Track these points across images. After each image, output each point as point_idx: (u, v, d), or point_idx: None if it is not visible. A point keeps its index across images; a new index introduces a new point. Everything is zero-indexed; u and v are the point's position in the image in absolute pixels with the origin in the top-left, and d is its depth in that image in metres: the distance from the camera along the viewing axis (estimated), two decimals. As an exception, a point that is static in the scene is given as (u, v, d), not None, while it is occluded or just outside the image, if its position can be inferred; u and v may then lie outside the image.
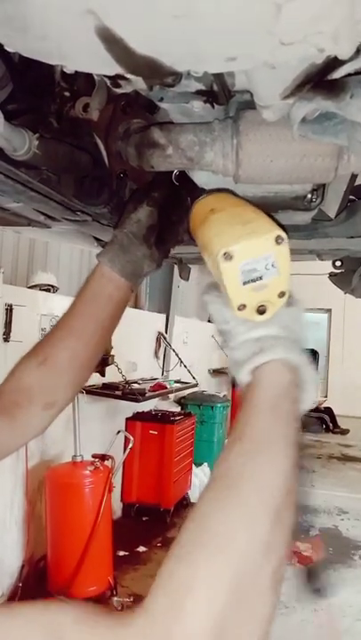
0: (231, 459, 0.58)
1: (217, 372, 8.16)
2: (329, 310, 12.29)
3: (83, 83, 1.00)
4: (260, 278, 0.65)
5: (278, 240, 0.64)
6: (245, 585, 0.49)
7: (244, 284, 0.65)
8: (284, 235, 0.65)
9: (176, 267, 1.91)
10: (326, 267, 2.03)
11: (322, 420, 10.29)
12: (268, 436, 0.59)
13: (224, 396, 7.04)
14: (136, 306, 6.50)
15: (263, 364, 0.64)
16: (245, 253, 0.64)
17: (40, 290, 4.22)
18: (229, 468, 0.57)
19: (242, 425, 0.61)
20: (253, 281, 0.65)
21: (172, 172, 1.00)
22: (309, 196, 1.01)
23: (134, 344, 5.55)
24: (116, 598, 3.51)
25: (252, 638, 0.49)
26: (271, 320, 0.68)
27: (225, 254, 0.63)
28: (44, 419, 0.89)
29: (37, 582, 3.56)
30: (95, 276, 0.93)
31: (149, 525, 4.90)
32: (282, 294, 0.67)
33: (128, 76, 0.63)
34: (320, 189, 1.03)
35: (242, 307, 0.66)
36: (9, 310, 3.51)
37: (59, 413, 0.92)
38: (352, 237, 1.28)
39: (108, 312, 0.92)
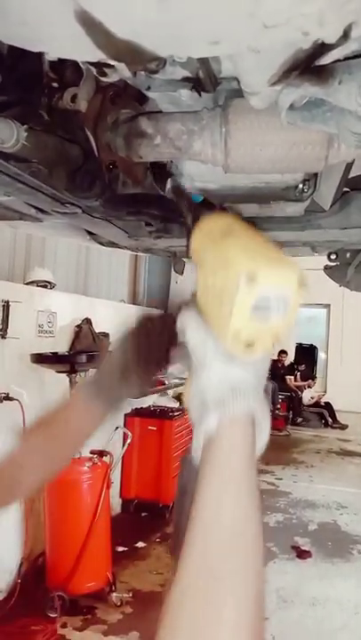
0: (211, 558, 0.50)
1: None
2: (328, 305, 12.27)
3: (71, 73, 0.99)
4: (269, 312, 0.60)
5: (301, 284, 0.60)
6: None
7: (253, 311, 0.59)
8: (307, 281, 0.61)
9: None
10: (325, 261, 2.02)
11: (321, 415, 10.29)
12: (250, 525, 0.52)
13: (223, 391, 7.03)
14: (134, 301, 6.48)
15: (234, 417, 0.58)
16: (269, 281, 0.59)
17: (37, 286, 4.20)
18: (211, 574, 0.49)
19: (217, 503, 0.53)
20: (262, 312, 0.59)
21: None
22: (301, 186, 1.00)
23: (132, 340, 5.53)
24: (115, 594, 3.50)
25: None
26: (247, 363, 0.62)
27: (249, 275, 0.58)
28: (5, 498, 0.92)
29: (36, 579, 3.56)
30: (72, 407, 0.94)
31: (148, 521, 4.89)
32: (276, 339, 0.62)
33: (111, 62, 0.62)
34: (312, 180, 1.02)
35: (237, 335, 0.60)
36: (6, 307, 3.50)
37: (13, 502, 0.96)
38: (345, 229, 1.27)
39: (78, 432, 0.93)
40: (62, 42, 0.59)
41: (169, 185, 0.98)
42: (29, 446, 0.95)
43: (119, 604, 3.48)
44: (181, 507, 0.69)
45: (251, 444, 0.58)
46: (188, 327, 0.66)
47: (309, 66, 0.68)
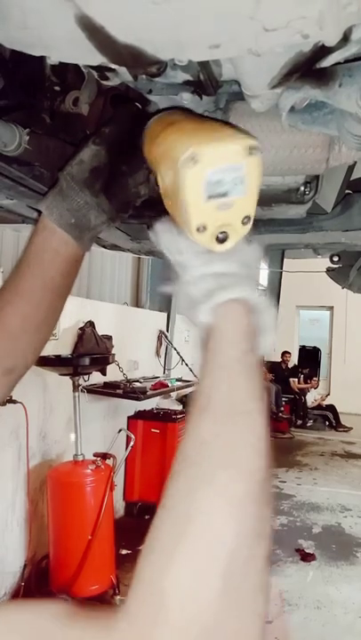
0: (204, 436, 0.50)
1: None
2: (331, 307, 12.27)
3: (72, 76, 0.99)
4: (226, 195, 0.56)
5: (251, 150, 0.55)
6: (236, 582, 0.44)
7: (209, 198, 0.55)
8: (257, 144, 0.56)
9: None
10: (328, 264, 2.02)
11: (326, 417, 10.26)
12: (243, 404, 0.52)
13: (226, 394, 7.02)
14: (137, 304, 6.49)
15: (223, 304, 0.56)
16: (214, 158, 0.54)
17: (40, 289, 4.21)
18: (204, 449, 0.49)
19: (209, 388, 0.53)
20: (218, 196, 0.56)
21: (131, 106, 0.85)
22: (302, 188, 1.00)
23: (135, 343, 5.55)
24: (118, 597, 3.50)
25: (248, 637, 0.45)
26: (230, 255, 0.59)
27: (190, 157, 0.53)
28: (3, 385, 0.83)
29: (40, 581, 3.56)
30: (38, 229, 0.81)
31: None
32: (247, 219, 0.59)
33: (112, 66, 0.63)
34: (313, 182, 1.02)
35: (202, 228, 0.57)
36: (9, 309, 3.50)
37: (19, 379, 0.86)
38: (347, 231, 1.27)
39: (55, 269, 0.81)
40: (63, 46, 0.59)
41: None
42: (18, 314, 0.81)
43: (123, 607, 3.47)
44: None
45: (245, 330, 0.56)
46: (161, 234, 0.64)
47: (310, 68, 0.68)
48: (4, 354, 0.81)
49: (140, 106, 0.83)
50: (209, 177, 0.54)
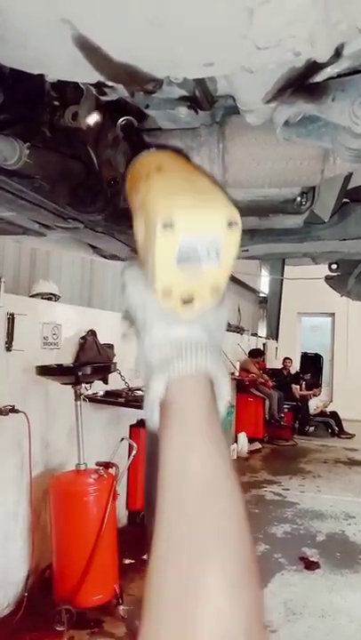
0: (190, 510, 0.48)
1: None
2: (332, 314, 12.27)
3: (72, 91, 1.01)
4: (198, 263, 0.54)
5: (231, 224, 0.53)
6: None
7: (179, 263, 0.53)
8: (238, 219, 0.54)
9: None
10: (328, 271, 2.04)
11: (328, 424, 10.23)
12: (221, 473, 0.51)
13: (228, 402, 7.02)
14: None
15: (181, 377, 0.54)
16: (190, 227, 0.52)
17: (42, 298, 4.23)
18: (194, 524, 0.48)
19: (181, 464, 0.51)
20: (189, 264, 0.54)
21: None
22: (299, 199, 1.02)
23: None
24: (122, 607, 3.48)
25: None
26: (194, 319, 0.57)
27: (165, 221, 0.51)
28: None
29: (43, 592, 3.54)
30: None
31: (155, 533, 4.86)
32: (215, 291, 0.57)
33: (109, 83, 0.64)
34: (310, 192, 1.04)
35: (167, 292, 0.55)
36: (11, 319, 3.52)
37: None
38: (344, 240, 1.28)
39: None
40: (61, 65, 0.60)
41: (121, 121, 0.88)
42: None
43: (126, 616, 3.46)
44: (150, 477, 0.69)
45: (207, 401, 0.54)
46: (128, 283, 0.61)
47: (303, 84, 0.69)
48: None
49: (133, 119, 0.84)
50: (182, 242, 0.53)
